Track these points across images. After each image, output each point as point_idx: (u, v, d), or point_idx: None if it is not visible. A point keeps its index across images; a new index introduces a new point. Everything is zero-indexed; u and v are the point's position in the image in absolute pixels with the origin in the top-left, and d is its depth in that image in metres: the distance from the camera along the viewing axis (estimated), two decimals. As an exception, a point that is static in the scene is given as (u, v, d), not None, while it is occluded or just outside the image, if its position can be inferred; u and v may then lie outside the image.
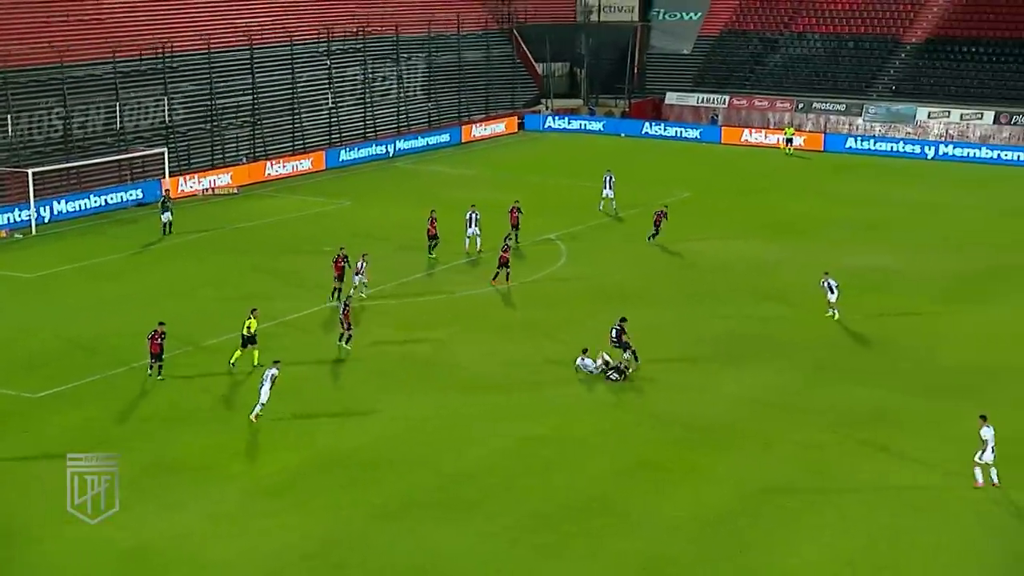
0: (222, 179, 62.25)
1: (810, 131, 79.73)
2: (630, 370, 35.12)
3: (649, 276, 46.40)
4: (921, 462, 29.46)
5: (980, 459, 27.81)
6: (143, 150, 61.00)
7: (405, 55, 78.43)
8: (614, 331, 35.52)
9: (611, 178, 57.25)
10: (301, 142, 69.85)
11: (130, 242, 50.97)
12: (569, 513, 26.78)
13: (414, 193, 61.01)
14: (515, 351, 37.37)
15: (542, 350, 37.37)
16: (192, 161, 63.98)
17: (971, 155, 73.88)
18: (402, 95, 77.51)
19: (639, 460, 29.63)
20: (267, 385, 31.16)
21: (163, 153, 60.10)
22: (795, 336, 39.10)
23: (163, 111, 63.43)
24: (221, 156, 65.24)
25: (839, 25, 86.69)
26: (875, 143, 76.26)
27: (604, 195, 57.02)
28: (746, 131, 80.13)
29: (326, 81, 72.59)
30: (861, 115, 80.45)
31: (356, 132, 73.86)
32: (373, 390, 34.11)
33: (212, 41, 66.47)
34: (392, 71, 77.55)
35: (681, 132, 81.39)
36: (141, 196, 58.00)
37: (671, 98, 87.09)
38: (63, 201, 55.10)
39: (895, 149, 75.65)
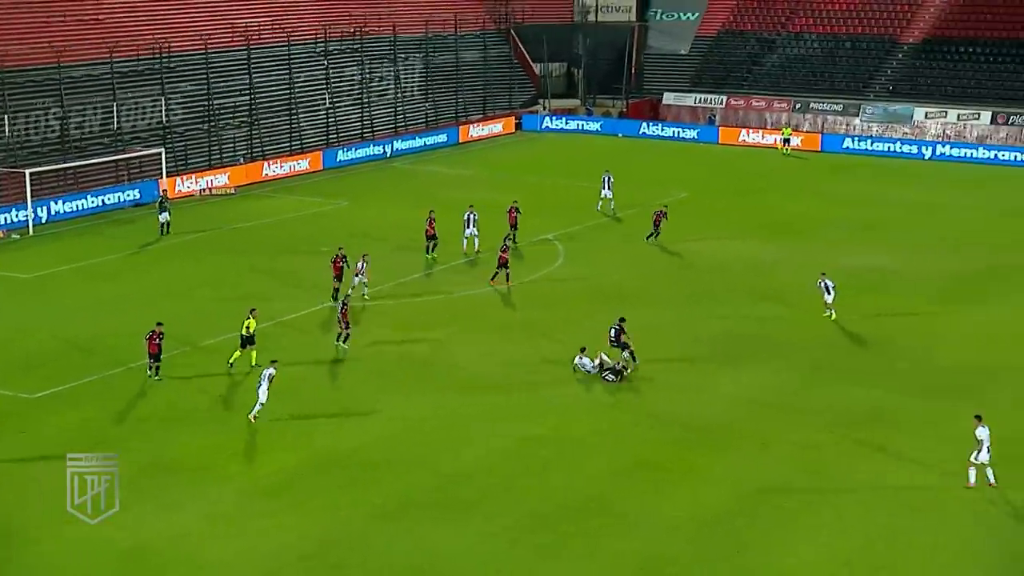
0: (219, 179, 62.23)
1: (807, 131, 79.79)
2: (628, 370, 35.14)
3: (647, 276, 46.41)
4: (918, 462, 29.49)
5: (975, 459, 27.84)
6: (140, 150, 60.97)
7: (402, 55, 78.44)
8: (613, 331, 35.54)
9: (610, 179, 57.27)
10: (299, 142, 69.82)
11: (127, 242, 50.95)
12: (567, 513, 26.80)
13: (411, 193, 61.01)
14: (513, 351, 37.38)
15: (540, 350, 37.39)
16: (189, 161, 63.96)
17: (968, 155, 73.96)
18: (399, 95, 77.51)
19: (637, 460, 29.65)
20: (264, 385, 31.16)
21: (160, 153, 60.06)
22: (792, 336, 39.13)
23: (160, 111, 63.41)
24: (218, 156, 65.22)
25: (836, 25, 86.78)
26: (872, 143, 76.33)
27: (603, 195, 57.04)
28: (743, 131, 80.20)
29: (323, 81, 72.58)
30: (858, 115, 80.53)
31: (353, 132, 73.86)
32: (371, 390, 34.11)
33: (209, 41, 66.45)
34: (389, 71, 77.56)
35: (678, 132, 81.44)
36: (138, 196, 57.98)
37: (668, 98, 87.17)
38: (60, 201, 55.08)
39: (892, 149, 75.72)
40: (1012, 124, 76.14)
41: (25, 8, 62.39)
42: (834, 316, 40.14)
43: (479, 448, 30.30)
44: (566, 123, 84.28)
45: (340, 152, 70.22)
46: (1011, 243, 52.37)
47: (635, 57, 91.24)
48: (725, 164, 72.56)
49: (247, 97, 67.56)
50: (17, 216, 52.98)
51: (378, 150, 72.35)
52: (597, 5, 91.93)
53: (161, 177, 58.99)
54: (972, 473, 27.90)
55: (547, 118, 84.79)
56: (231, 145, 66.29)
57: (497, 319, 41.10)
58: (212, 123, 65.62)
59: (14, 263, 47.58)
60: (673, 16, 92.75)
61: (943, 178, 68.36)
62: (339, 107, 73.46)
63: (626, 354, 35.43)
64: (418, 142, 75.32)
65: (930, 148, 75.10)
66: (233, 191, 61.74)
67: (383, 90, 77.24)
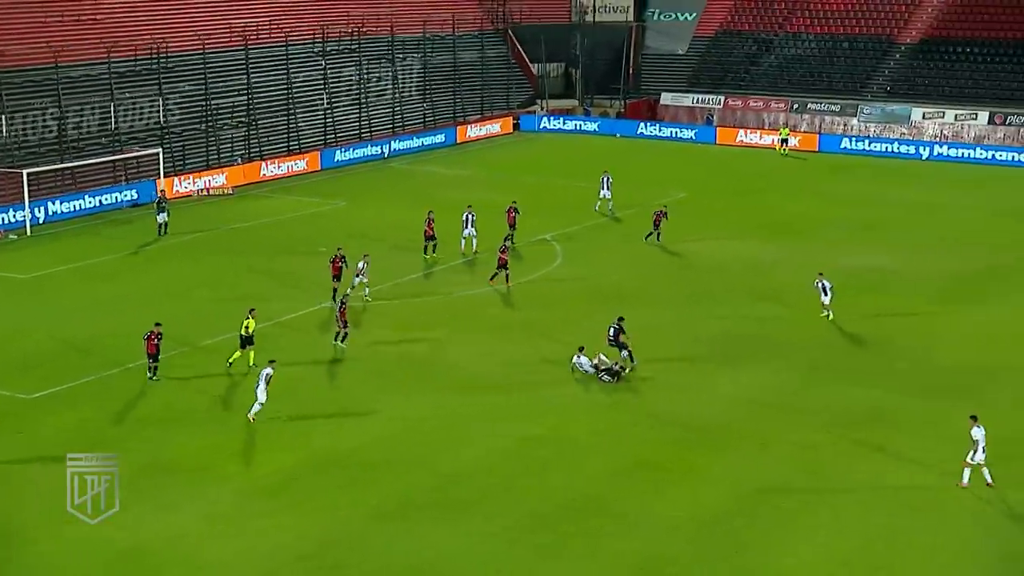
0: (217, 180, 62.16)
1: (805, 131, 79.80)
2: (626, 371, 35.10)
3: (645, 276, 46.39)
4: (917, 462, 29.47)
5: (971, 460, 27.81)
6: (138, 151, 60.91)
7: (400, 55, 78.40)
8: (612, 330, 35.51)
9: (608, 179, 57.24)
10: (296, 142, 69.77)
11: (125, 243, 50.90)
12: (567, 513, 26.77)
13: (409, 194, 60.98)
14: (512, 351, 37.34)
15: (539, 350, 37.35)
16: (187, 162, 63.91)
17: (966, 155, 73.97)
18: (397, 95, 77.46)
19: (636, 460, 29.62)
20: (262, 385, 31.11)
21: (158, 153, 59.98)
22: (791, 336, 39.11)
23: (158, 111, 63.35)
24: (216, 156, 65.15)
25: (834, 25, 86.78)
26: (870, 143, 76.32)
27: (601, 196, 57.01)
28: (741, 131, 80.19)
29: (321, 81, 72.53)
30: (856, 115, 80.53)
31: (351, 132, 73.81)
32: (370, 390, 34.07)
33: (207, 41, 66.39)
34: (387, 71, 77.51)
35: (676, 132, 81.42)
36: (136, 197, 57.92)
37: (666, 98, 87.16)
38: (58, 202, 55.02)
39: (890, 150, 75.73)
40: (1010, 124, 76.17)
41: (23, 8, 62.33)
42: (832, 317, 40.10)
43: (478, 448, 30.26)
44: (564, 123, 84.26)
45: (338, 152, 70.17)
46: (1010, 243, 52.38)
47: (633, 57, 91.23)
48: (723, 164, 72.56)
49: (245, 97, 67.49)
50: (15, 216, 52.91)
51: (376, 150, 72.30)
52: (595, 5, 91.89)
53: (159, 177, 58.92)
54: (967, 473, 27.89)
55: (545, 118, 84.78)
56: (229, 145, 66.23)
57: (496, 319, 41.06)
58: (210, 123, 65.56)
59: (11, 263, 47.51)
60: (671, 16, 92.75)
61: (941, 178, 68.38)
62: (337, 107, 73.40)
63: (625, 354, 35.40)
64: (416, 142, 75.28)
65: (928, 148, 75.13)
66: (231, 191, 61.68)
67: (381, 90, 77.20)
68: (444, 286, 44.79)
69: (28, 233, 52.36)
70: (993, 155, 73.45)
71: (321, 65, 72.75)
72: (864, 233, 53.91)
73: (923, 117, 78.58)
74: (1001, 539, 26.06)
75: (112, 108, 60.86)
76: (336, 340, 37.36)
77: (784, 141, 76.24)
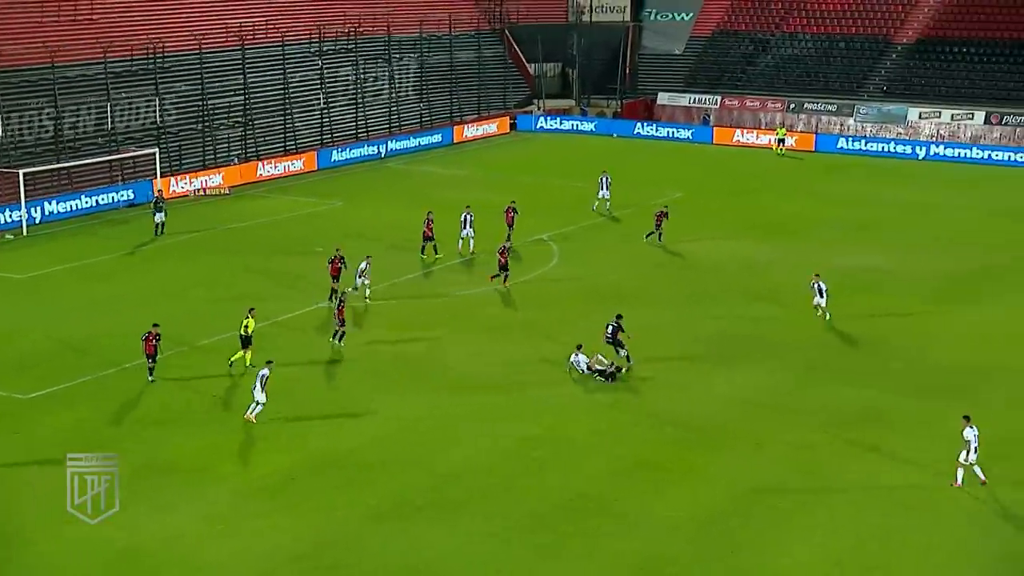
0: (213, 180, 62.17)
1: (801, 131, 79.87)
2: (623, 371, 35.15)
3: (641, 276, 46.44)
4: (912, 462, 29.54)
5: (964, 460, 27.88)
6: (135, 150, 60.91)
7: (397, 55, 78.42)
8: (610, 328, 35.57)
9: (607, 179, 57.29)
10: (293, 142, 69.78)
11: (121, 243, 50.91)
12: (565, 513, 26.81)
13: (406, 194, 61.03)
14: (509, 351, 37.38)
15: (537, 350, 37.38)
16: (183, 162, 63.90)
17: (962, 155, 74.05)
18: (394, 95, 77.46)
19: (635, 460, 29.66)
20: (259, 386, 31.11)
21: (154, 153, 59.97)
22: (787, 336, 39.17)
23: (154, 111, 63.34)
24: (212, 156, 65.16)
25: (830, 25, 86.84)
26: (866, 143, 76.40)
27: (600, 196, 57.06)
28: (738, 131, 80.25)
29: (318, 81, 72.54)
30: (852, 115, 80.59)
31: (348, 132, 73.79)
32: (367, 391, 34.11)
33: (204, 41, 66.37)
34: (384, 71, 77.53)
35: (673, 132, 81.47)
36: (132, 197, 57.93)
37: (663, 98, 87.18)
38: (54, 202, 55.02)
39: (886, 149, 75.82)
40: (1006, 124, 76.25)
41: (19, 8, 62.30)
42: (829, 317, 40.12)
43: (476, 448, 30.29)
44: (561, 123, 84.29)
45: (334, 152, 70.18)
46: (1005, 243, 52.46)
47: (629, 57, 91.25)
48: (720, 164, 72.61)
49: (241, 97, 67.48)
50: (11, 216, 52.93)
51: (373, 150, 72.31)
52: (591, 5, 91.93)
53: (155, 177, 58.91)
54: (960, 473, 27.96)
55: (542, 118, 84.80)
56: (225, 145, 66.23)
57: (494, 319, 41.09)
58: (206, 123, 65.56)
59: (8, 263, 47.52)
60: (667, 16, 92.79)
61: (937, 178, 68.45)
62: (333, 107, 73.41)
63: (623, 353, 35.45)
64: (413, 142, 75.29)
65: (924, 148, 75.21)
66: (227, 191, 61.70)
67: (378, 90, 77.21)
68: (442, 286, 44.83)
69: (24, 233, 52.35)
70: (989, 155, 73.55)
71: (318, 65, 72.76)
72: (859, 233, 53.99)
73: (919, 117, 78.65)
74: (996, 538, 26.12)
75: (108, 108, 60.87)
76: (334, 339, 37.40)
77: (781, 141, 76.31)
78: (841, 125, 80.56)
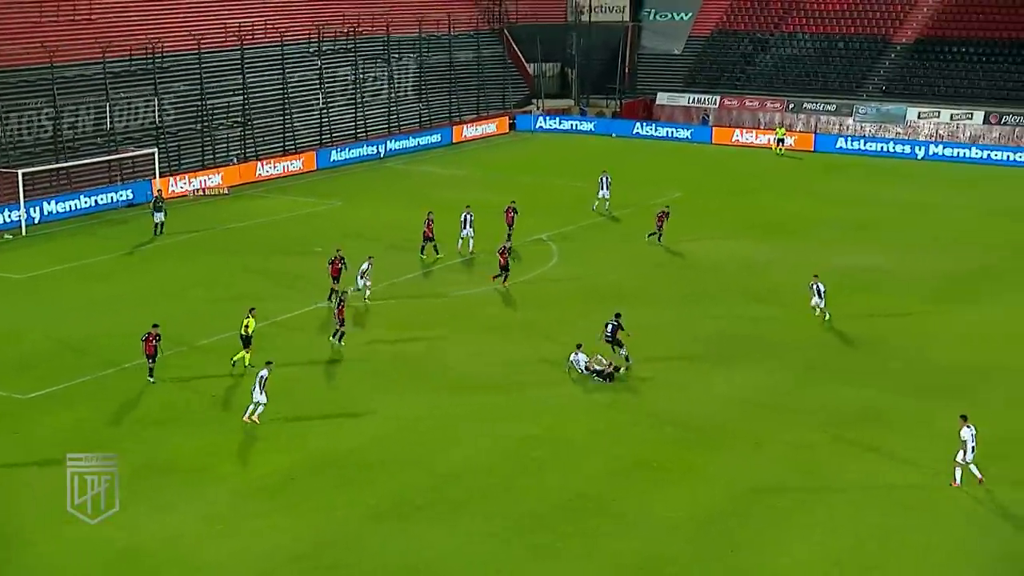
0: (212, 179, 62.18)
1: (800, 131, 79.92)
2: (621, 371, 35.16)
3: (640, 276, 46.46)
4: (911, 462, 29.56)
5: (962, 460, 27.89)
6: (133, 150, 60.92)
7: (396, 55, 78.44)
8: (609, 326, 35.58)
9: (607, 179, 57.32)
10: (292, 142, 69.80)
11: (120, 243, 50.92)
12: (564, 513, 26.82)
13: (405, 194, 61.05)
14: (509, 351, 37.40)
15: (537, 350, 37.39)
16: (182, 162, 63.91)
17: (961, 155, 74.10)
18: (393, 95, 77.48)
19: (634, 460, 29.67)
20: (258, 386, 31.11)
21: (153, 153, 59.98)
22: (786, 336, 39.19)
23: (153, 111, 63.35)
24: (212, 156, 65.17)
25: (829, 25, 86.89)
26: (865, 143, 76.45)
27: (600, 195, 57.09)
28: (737, 131, 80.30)
29: (317, 81, 72.55)
30: (851, 115, 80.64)
31: (347, 132, 73.81)
32: (366, 390, 34.12)
33: (203, 41, 66.37)
34: (383, 71, 77.55)
35: (672, 132, 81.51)
36: (131, 197, 57.93)
37: (662, 98, 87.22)
38: (53, 202, 55.02)
39: (885, 149, 75.86)
40: (1005, 124, 76.31)
41: (17, 8, 62.31)
42: (829, 317, 40.12)
43: (475, 448, 30.30)
44: (560, 123, 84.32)
45: (333, 152, 70.19)
46: (1003, 243, 52.50)
47: (629, 57, 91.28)
48: (719, 164, 72.65)
49: (240, 97, 67.49)
50: (10, 216, 52.92)
51: (372, 150, 72.33)
52: (591, 5, 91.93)
53: (154, 177, 58.91)
54: (958, 472, 27.99)
55: (541, 118, 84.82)
56: (224, 145, 66.24)
57: (493, 319, 41.11)
58: (205, 123, 65.56)
59: (7, 263, 47.52)
60: (666, 16, 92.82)
61: (936, 178, 68.50)
62: (332, 107, 73.43)
63: (623, 352, 35.47)
64: (412, 142, 75.31)
65: (923, 148, 75.25)
66: (226, 191, 61.70)
67: (376, 90, 77.24)
68: (442, 286, 44.84)
69: (24, 233, 52.35)
70: (988, 155, 73.58)
71: (317, 65, 72.77)
72: (858, 233, 54.03)
73: (918, 117, 78.71)
74: (994, 538, 26.14)
75: (107, 108, 60.89)
76: (334, 338, 37.42)
77: (780, 141, 76.34)
78: (840, 125, 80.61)
